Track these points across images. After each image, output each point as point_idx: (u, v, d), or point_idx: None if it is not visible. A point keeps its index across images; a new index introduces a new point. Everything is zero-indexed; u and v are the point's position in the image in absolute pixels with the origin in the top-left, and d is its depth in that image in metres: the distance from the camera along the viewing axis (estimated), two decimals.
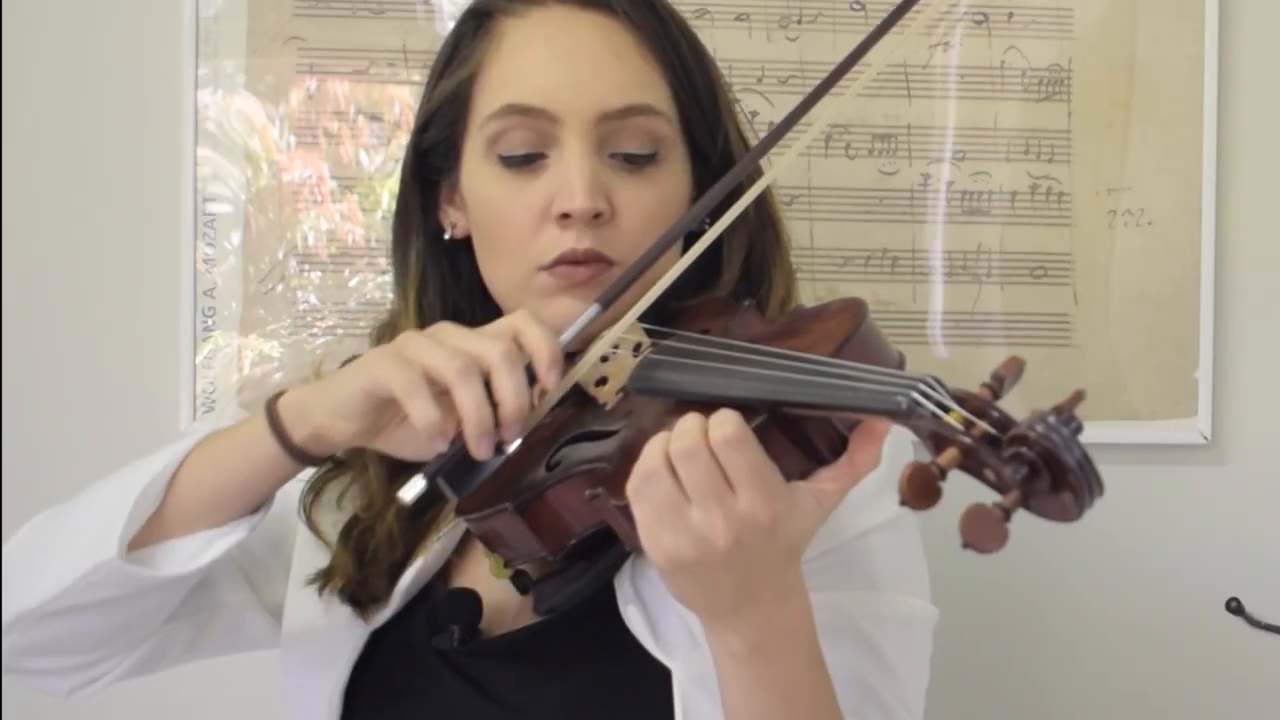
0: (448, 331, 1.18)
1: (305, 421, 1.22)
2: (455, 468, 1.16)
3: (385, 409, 1.18)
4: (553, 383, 1.16)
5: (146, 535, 1.29)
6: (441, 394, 1.14)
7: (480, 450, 1.14)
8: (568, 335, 1.19)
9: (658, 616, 1.25)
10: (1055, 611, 1.88)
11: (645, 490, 1.07)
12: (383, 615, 1.35)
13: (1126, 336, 1.87)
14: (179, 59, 1.83)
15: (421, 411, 1.14)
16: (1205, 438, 1.87)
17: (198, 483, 1.29)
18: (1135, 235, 1.86)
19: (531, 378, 1.16)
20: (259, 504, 1.30)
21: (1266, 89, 1.88)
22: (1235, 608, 1.72)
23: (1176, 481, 1.89)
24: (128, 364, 1.86)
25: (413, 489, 1.15)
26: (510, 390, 1.13)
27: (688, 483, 1.06)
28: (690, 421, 1.06)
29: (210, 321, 1.84)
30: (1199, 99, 1.86)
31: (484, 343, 1.15)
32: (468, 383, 1.13)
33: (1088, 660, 1.89)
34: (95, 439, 1.86)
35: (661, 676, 1.24)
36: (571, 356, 1.24)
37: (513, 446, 1.16)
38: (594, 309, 1.21)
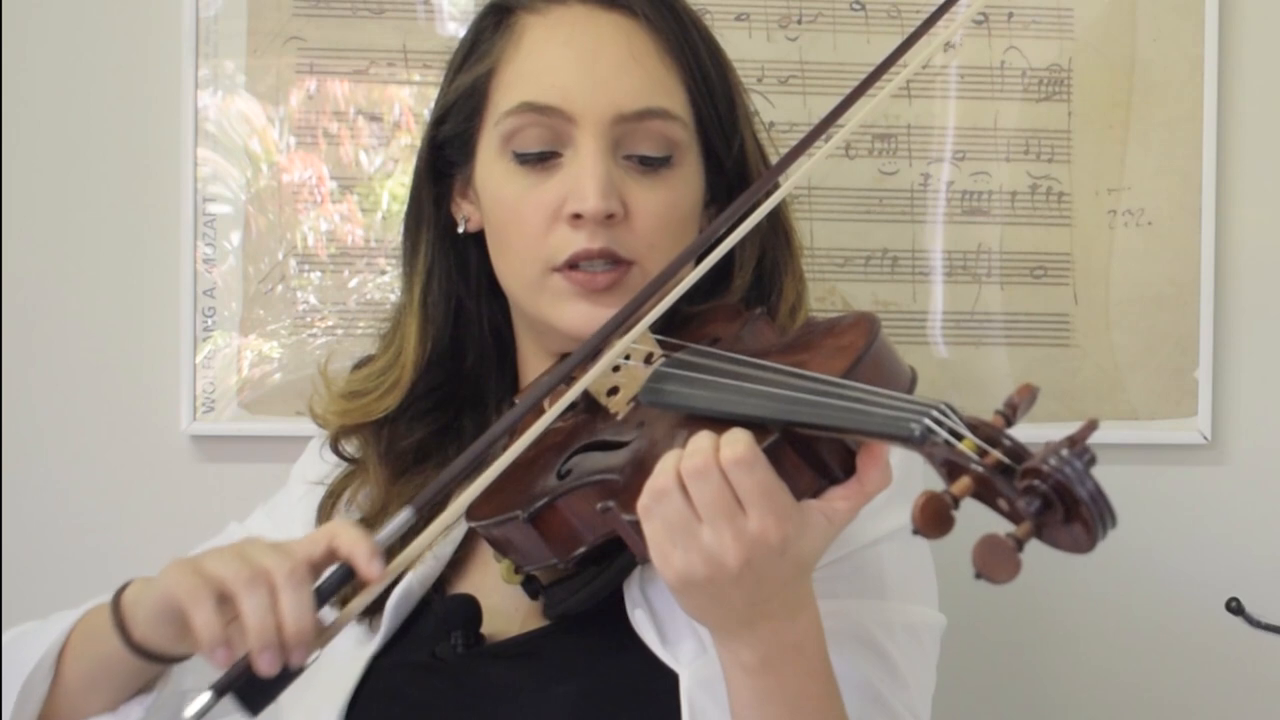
0: (251, 544, 1.13)
1: (134, 622, 1.18)
2: (248, 683, 1.08)
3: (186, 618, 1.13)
4: (376, 573, 1.10)
5: (49, 712, 1.27)
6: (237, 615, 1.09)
7: (264, 665, 1.07)
8: (383, 535, 1.12)
9: (665, 621, 1.26)
10: (1055, 611, 1.88)
11: (656, 508, 1.08)
12: (377, 639, 1.34)
13: (1126, 336, 1.86)
14: (179, 59, 1.82)
15: (202, 622, 1.08)
16: (1205, 438, 1.87)
17: (79, 664, 1.27)
18: (1135, 235, 1.86)
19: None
20: (150, 682, 1.27)
21: (1266, 89, 1.88)
22: (1235, 608, 1.72)
23: (1176, 481, 1.88)
24: (128, 364, 1.85)
25: (195, 705, 1.08)
26: (288, 611, 1.07)
27: (699, 502, 1.06)
28: (702, 440, 1.06)
29: (210, 321, 1.83)
30: (1199, 99, 1.85)
31: (275, 558, 1.09)
32: (252, 593, 1.07)
33: (1088, 660, 1.89)
34: (95, 439, 1.86)
35: (669, 680, 1.24)
36: (586, 361, 1.23)
37: (311, 659, 1.09)
38: (407, 512, 1.14)
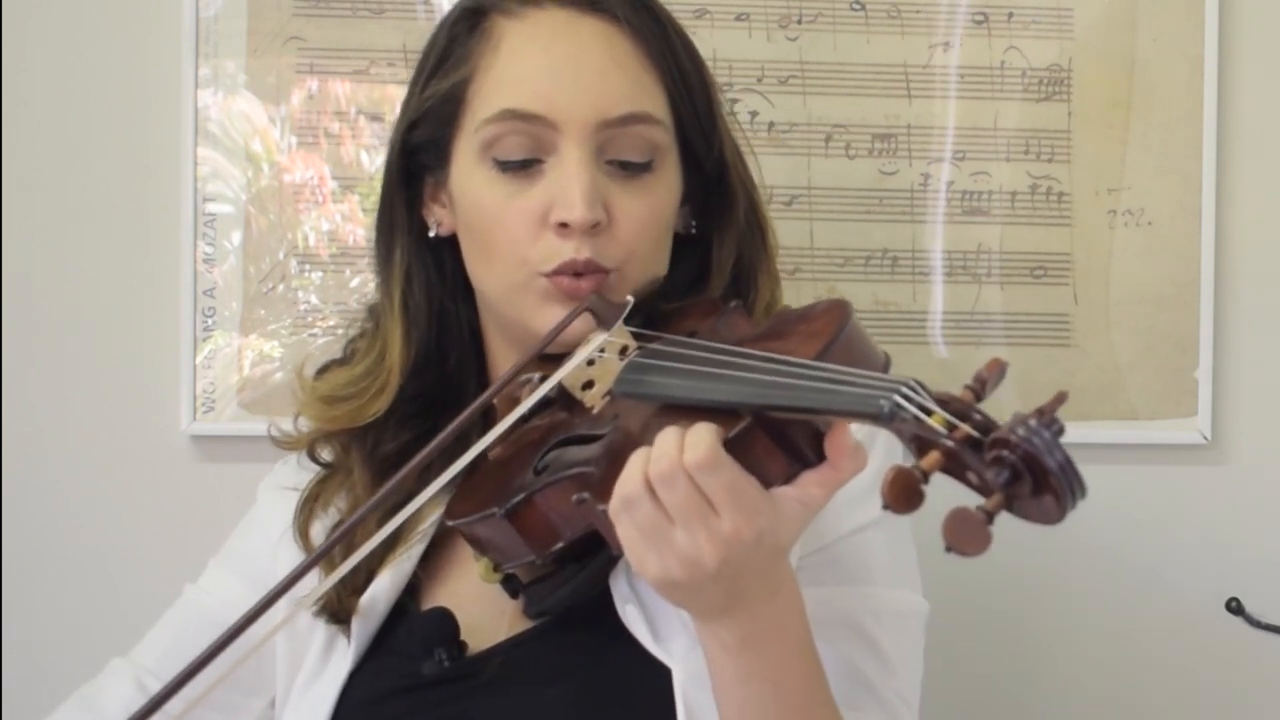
0: None
1: None
2: None
3: None
4: None
5: None
6: None
7: None
8: None
9: (656, 616, 1.25)
10: (1055, 611, 1.88)
11: (627, 514, 1.07)
12: (350, 654, 1.33)
13: (1126, 336, 1.86)
14: (179, 59, 1.82)
15: None
16: (1205, 438, 1.86)
17: None
18: (1135, 235, 1.86)
19: None
20: None
21: (1266, 89, 1.87)
22: (1235, 608, 1.72)
23: (1176, 481, 1.88)
24: (128, 364, 1.85)
25: None
26: None
27: (669, 506, 1.05)
28: (668, 442, 1.06)
29: (210, 321, 1.84)
30: (1199, 99, 1.85)
31: None
32: None
33: (1087, 660, 1.88)
34: (96, 439, 1.86)
35: (662, 674, 1.24)
36: (558, 359, 1.23)
37: None
38: None
